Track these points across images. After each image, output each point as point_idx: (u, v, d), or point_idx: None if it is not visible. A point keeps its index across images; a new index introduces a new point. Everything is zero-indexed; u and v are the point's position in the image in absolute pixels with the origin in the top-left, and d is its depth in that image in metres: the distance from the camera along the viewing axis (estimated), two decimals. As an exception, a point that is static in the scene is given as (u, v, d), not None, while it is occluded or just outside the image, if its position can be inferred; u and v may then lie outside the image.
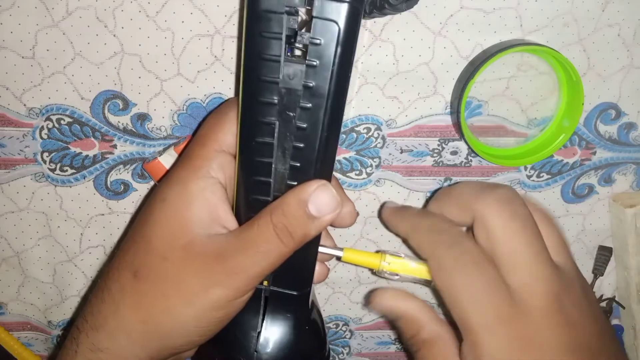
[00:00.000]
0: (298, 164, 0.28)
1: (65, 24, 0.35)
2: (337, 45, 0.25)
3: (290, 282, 0.31)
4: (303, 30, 0.26)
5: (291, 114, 0.27)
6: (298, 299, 0.31)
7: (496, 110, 0.39)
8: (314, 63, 0.26)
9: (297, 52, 0.27)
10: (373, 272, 0.32)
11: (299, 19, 0.26)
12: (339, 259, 0.32)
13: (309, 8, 0.25)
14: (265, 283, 0.31)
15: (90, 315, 0.29)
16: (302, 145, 0.27)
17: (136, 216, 0.31)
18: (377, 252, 0.32)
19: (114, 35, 0.35)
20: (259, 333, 0.31)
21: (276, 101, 0.27)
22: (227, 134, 0.29)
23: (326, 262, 0.35)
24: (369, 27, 0.36)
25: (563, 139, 0.38)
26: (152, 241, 0.29)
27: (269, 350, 0.31)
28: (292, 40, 0.26)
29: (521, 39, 0.36)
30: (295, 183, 0.28)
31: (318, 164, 0.28)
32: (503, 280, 0.27)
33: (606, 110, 0.39)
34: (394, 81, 0.37)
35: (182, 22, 0.35)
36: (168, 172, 0.36)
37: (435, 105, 0.38)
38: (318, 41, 0.25)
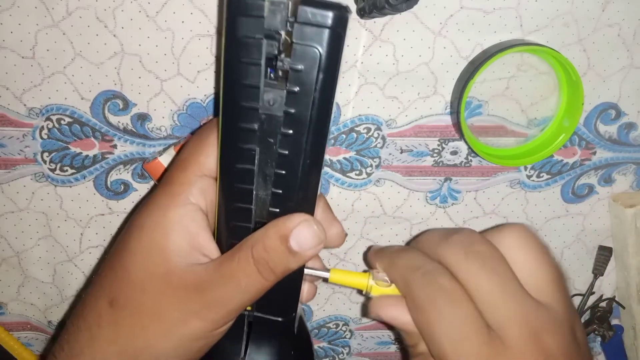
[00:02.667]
0: (280, 191, 0.27)
1: (65, 24, 0.35)
2: (319, 72, 0.24)
3: (275, 309, 0.30)
4: (283, 56, 0.25)
5: (272, 140, 0.26)
6: (283, 324, 0.30)
7: (496, 110, 0.39)
8: (295, 89, 0.25)
9: (280, 73, 0.26)
10: (361, 293, 0.32)
11: (281, 40, 0.25)
12: (325, 280, 0.31)
13: (290, 30, 0.24)
14: (248, 308, 0.30)
15: (67, 344, 0.29)
16: (283, 172, 0.27)
17: (122, 231, 0.30)
18: (365, 271, 0.31)
19: (114, 35, 0.35)
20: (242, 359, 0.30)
21: (256, 127, 0.26)
22: (209, 157, 0.29)
23: (315, 282, 0.34)
24: (369, 27, 0.36)
25: (563, 139, 0.38)
26: (130, 270, 0.28)
27: None
28: (274, 63, 0.25)
29: (521, 39, 0.36)
30: (278, 210, 0.27)
31: (300, 190, 0.27)
32: (480, 316, 0.26)
33: (606, 110, 0.39)
34: (394, 81, 0.37)
35: (182, 22, 0.35)
36: (147, 195, 0.35)
37: (435, 105, 0.38)
38: (299, 67, 0.24)
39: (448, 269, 0.28)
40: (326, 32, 0.24)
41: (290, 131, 0.26)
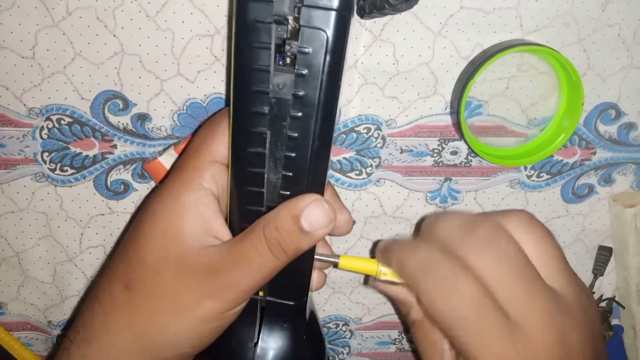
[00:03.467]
0: (290, 174, 0.28)
1: (65, 24, 0.35)
2: (326, 54, 0.25)
3: (287, 292, 0.31)
4: (292, 40, 0.25)
5: (282, 123, 0.27)
6: (295, 308, 0.31)
7: (496, 110, 0.39)
8: (303, 72, 0.25)
9: (288, 61, 0.27)
10: (368, 280, 0.32)
11: (289, 27, 0.26)
12: (335, 265, 0.32)
13: (297, 16, 0.25)
14: (261, 293, 0.31)
15: (82, 327, 0.29)
16: (293, 154, 0.27)
17: (136, 217, 0.31)
18: (374, 257, 0.32)
19: (114, 35, 0.35)
20: (256, 344, 0.31)
21: (267, 111, 0.26)
22: (220, 145, 0.29)
23: (324, 270, 0.35)
24: (369, 27, 0.36)
25: (563, 139, 0.38)
26: (144, 255, 0.28)
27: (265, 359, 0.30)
28: (282, 49, 0.26)
29: (521, 39, 0.36)
30: (288, 193, 0.28)
31: (310, 173, 0.27)
32: (503, 313, 0.25)
33: (606, 110, 0.39)
34: (394, 81, 0.37)
35: (182, 22, 0.35)
36: (164, 178, 0.35)
37: (435, 105, 0.38)
38: (306, 50, 0.25)
39: (467, 264, 0.26)
40: (333, 14, 0.24)
41: (300, 114, 0.26)
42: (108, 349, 0.29)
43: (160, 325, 0.28)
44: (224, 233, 0.29)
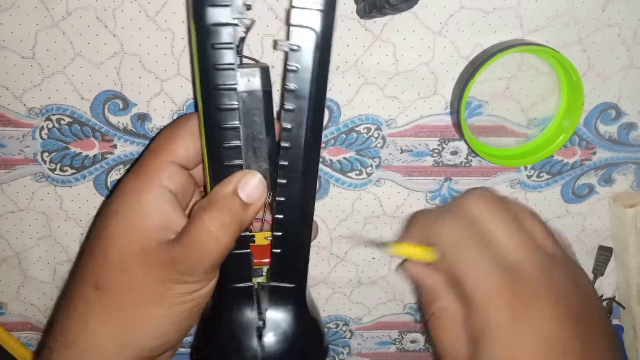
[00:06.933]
0: (286, 163, 0.30)
1: (65, 24, 0.35)
2: (316, 50, 0.28)
3: (287, 276, 0.32)
4: (283, 39, 0.28)
5: (255, 116, 0.29)
6: (296, 291, 0.33)
7: (496, 110, 0.39)
8: (295, 67, 0.28)
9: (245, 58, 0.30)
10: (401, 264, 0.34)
11: (246, 24, 0.28)
12: (384, 248, 0.34)
13: (249, 23, 0.29)
14: (264, 280, 0.33)
15: (60, 334, 0.30)
16: (288, 144, 0.29)
17: (99, 217, 0.32)
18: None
19: (114, 35, 0.35)
20: (261, 327, 0.32)
21: (237, 106, 0.29)
22: (179, 147, 0.31)
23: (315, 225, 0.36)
24: (369, 27, 0.36)
25: (563, 139, 0.38)
26: (110, 253, 0.29)
27: (273, 340, 0.32)
28: (239, 47, 0.28)
29: (521, 39, 0.36)
30: (285, 181, 0.30)
31: (305, 161, 0.30)
32: (501, 258, 0.30)
33: (606, 110, 0.39)
34: (394, 81, 0.37)
35: (182, 22, 0.35)
36: (119, 181, 0.36)
37: (435, 105, 0.38)
38: (296, 47, 0.28)
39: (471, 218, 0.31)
40: (319, 14, 0.28)
41: (293, 106, 0.29)
42: (88, 352, 0.29)
43: (136, 317, 0.29)
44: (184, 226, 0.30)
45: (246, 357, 0.32)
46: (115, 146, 0.38)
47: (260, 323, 0.32)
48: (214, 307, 0.33)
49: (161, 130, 0.35)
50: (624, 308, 0.43)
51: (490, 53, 0.35)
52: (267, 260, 0.32)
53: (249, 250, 0.31)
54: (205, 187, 0.31)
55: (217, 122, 0.29)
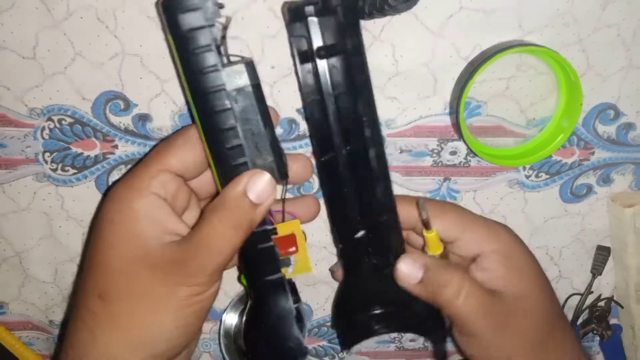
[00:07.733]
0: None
1: (66, 25, 0.35)
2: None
3: None
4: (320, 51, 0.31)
5: (250, 112, 0.29)
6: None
7: (495, 111, 0.39)
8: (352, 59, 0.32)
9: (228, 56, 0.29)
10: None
11: (222, 23, 0.29)
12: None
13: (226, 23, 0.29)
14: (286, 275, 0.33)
15: (71, 348, 0.30)
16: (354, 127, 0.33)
17: (94, 227, 0.32)
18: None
19: (115, 36, 0.35)
20: (297, 309, 0.33)
21: (229, 106, 0.29)
22: (172, 156, 0.31)
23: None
24: (368, 28, 0.36)
25: (562, 139, 0.38)
26: (110, 262, 0.30)
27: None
28: (220, 46, 0.28)
29: (520, 40, 0.36)
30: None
31: (373, 142, 0.33)
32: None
33: (605, 111, 0.39)
34: (393, 81, 0.37)
35: (183, 22, 0.35)
36: (109, 189, 0.37)
37: (434, 105, 0.38)
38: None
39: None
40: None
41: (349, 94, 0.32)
42: None
43: (145, 324, 0.29)
44: (182, 228, 0.30)
45: (291, 348, 0.33)
46: (116, 146, 0.38)
47: (294, 310, 0.33)
48: (255, 302, 0.33)
49: (160, 141, 0.35)
50: (622, 307, 0.43)
51: (490, 54, 0.35)
52: (294, 249, 0.33)
53: (272, 244, 0.32)
54: (217, 191, 0.32)
55: (214, 126, 0.29)
